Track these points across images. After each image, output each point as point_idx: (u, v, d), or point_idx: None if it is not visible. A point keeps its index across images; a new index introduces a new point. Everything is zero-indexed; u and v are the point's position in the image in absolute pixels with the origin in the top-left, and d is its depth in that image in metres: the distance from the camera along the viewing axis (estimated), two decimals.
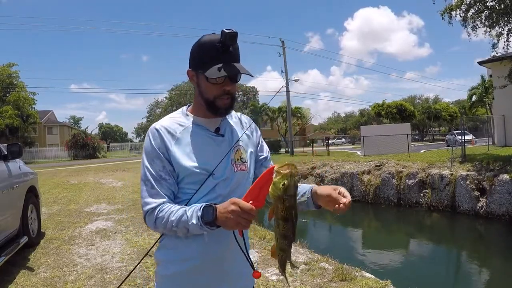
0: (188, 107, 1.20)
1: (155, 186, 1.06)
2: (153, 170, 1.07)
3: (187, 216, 0.99)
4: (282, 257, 1.01)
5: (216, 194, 1.08)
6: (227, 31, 1.02)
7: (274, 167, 0.94)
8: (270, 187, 0.93)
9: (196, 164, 1.07)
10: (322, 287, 3.17)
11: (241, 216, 0.92)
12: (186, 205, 1.06)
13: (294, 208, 0.93)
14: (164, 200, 1.06)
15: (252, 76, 1.15)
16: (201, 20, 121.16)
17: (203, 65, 1.07)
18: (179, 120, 1.14)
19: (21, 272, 3.60)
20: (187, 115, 1.16)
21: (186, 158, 1.07)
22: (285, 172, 0.91)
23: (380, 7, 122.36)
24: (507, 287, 5.94)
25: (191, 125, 1.13)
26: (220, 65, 1.04)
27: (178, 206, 1.04)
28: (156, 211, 1.04)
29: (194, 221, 0.98)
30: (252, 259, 1.14)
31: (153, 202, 1.06)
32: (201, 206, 0.99)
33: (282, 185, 0.90)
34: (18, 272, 3.61)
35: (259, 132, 1.29)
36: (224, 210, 0.94)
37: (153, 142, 1.09)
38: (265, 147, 1.29)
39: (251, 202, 0.94)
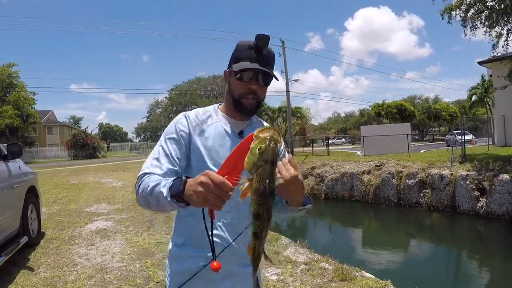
0: (219, 105, 1.24)
1: (160, 160, 1.07)
2: (166, 148, 1.09)
3: (161, 185, 0.93)
4: (255, 246, 0.82)
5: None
6: (260, 34, 1.10)
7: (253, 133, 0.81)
8: (246, 156, 0.78)
9: (209, 160, 1.09)
10: (322, 287, 3.17)
11: (212, 190, 0.79)
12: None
13: (270, 179, 0.77)
14: (160, 172, 1.03)
15: (277, 80, 1.17)
16: (201, 20, 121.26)
17: (235, 62, 1.13)
18: (209, 115, 1.18)
19: (21, 272, 3.60)
20: (217, 112, 1.20)
21: (203, 150, 1.10)
22: (265, 135, 0.78)
23: (380, 7, 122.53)
24: (507, 287, 5.94)
25: (217, 122, 1.16)
26: (248, 62, 1.10)
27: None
28: (145, 176, 1.02)
29: (164, 191, 0.90)
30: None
31: (147, 169, 1.04)
32: (176, 177, 0.93)
33: (259, 149, 0.76)
34: (18, 272, 3.61)
35: (283, 145, 1.29)
36: (194, 182, 0.84)
37: (177, 125, 1.13)
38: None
39: (226, 177, 0.81)
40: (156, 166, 1.05)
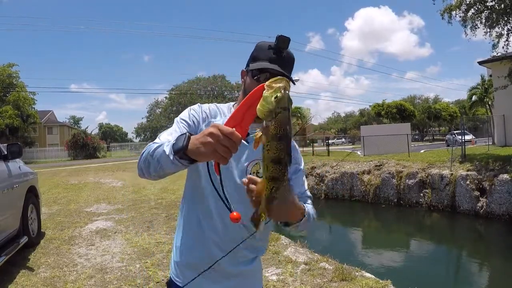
0: (235, 104, 1.24)
1: (172, 134, 1.05)
2: (178, 127, 1.10)
3: (164, 145, 0.90)
4: (272, 190, 0.80)
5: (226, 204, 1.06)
6: (281, 35, 1.07)
7: (264, 84, 0.80)
8: (258, 105, 0.78)
9: (208, 163, 1.09)
10: (322, 287, 3.17)
11: (220, 141, 0.77)
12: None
13: (289, 124, 0.78)
14: None
15: (294, 84, 1.11)
16: (202, 20, 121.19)
17: (253, 62, 1.11)
18: (221, 111, 1.19)
19: (21, 272, 3.61)
20: (231, 110, 1.20)
21: None
22: (279, 85, 0.78)
23: (380, 7, 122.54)
24: (507, 287, 5.94)
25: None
26: (267, 62, 1.07)
27: None
28: (151, 143, 0.99)
29: (166, 149, 0.87)
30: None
31: (157, 140, 1.01)
32: (180, 134, 0.90)
33: (275, 98, 0.76)
34: (18, 272, 3.61)
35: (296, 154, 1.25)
36: (201, 134, 0.81)
37: (190, 112, 1.16)
38: (303, 177, 1.22)
39: (234, 129, 0.80)
40: (166, 140, 1.02)
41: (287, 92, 0.78)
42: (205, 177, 1.08)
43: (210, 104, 1.21)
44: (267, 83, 0.79)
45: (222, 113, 1.18)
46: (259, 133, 0.79)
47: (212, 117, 1.15)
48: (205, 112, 1.16)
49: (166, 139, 1.01)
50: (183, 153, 0.83)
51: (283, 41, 1.07)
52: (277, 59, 1.07)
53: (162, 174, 0.94)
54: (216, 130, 0.78)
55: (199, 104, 1.20)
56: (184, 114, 1.15)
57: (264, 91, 0.78)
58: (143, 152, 0.98)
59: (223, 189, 1.01)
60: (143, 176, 1.00)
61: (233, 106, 1.23)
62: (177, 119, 1.15)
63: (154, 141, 1.01)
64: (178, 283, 1.15)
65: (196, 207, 1.15)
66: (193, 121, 1.13)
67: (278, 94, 0.76)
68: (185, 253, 1.16)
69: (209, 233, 1.12)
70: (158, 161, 0.90)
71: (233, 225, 1.01)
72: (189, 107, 1.19)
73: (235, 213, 0.89)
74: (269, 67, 1.06)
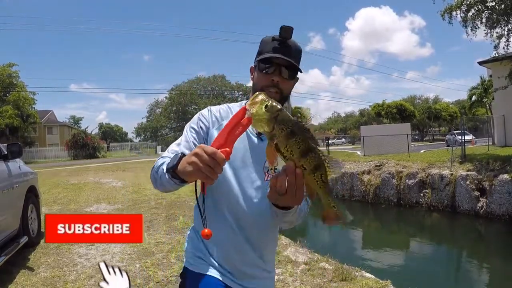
0: (247, 101, 1.23)
1: (180, 144, 1.10)
2: (187, 135, 1.12)
3: (165, 163, 0.96)
4: (322, 178, 0.80)
5: (242, 201, 1.07)
6: (284, 25, 1.06)
7: (245, 105, 0.82)
8: (253, 122, 0.80)
9: None
10: (322, 287, 3.17)
11: (204, 161, 0.81)
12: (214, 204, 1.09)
13: (293, 117, 0.80)
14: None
15: (301, 72, 1.12)
16: (202, 20, 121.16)
17: (259, 55, 1.11)
18: (232, 110, 1.17)
19: (21, 272, 3.60)
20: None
21: None
22: (260, 98, 0.79)
23: (381, 7, 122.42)
24: (507, 287, 5.94)
25: None
26: (270, 52, 1.07)
27: None
28: (160, 158, 1.05)
29: (164, 167, 0.94)
30: None
31: (166, 153, 1.08)
32: (175, 154, 0.94)
33: (265, 107, 0.77)
34: (18, 272, 3.61)
35: None
36: (189, 154, 0.85)
37: (199, 117, 1.15)
38: None
39: (220, 151, 0.82)
40: (174, 151, 1.07)
41: (271, 100, 0.79)
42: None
43: (221, 105, 1.20)
44: (247, 104, 0.81)
45: (231, 112, 1.17)
46: (270, 148, 0.79)
47: (224, 119, 1.14)
48: (215, 116, 1.15)
49: (174, 150, 1.07)
50: (173, 171, 0.88)
51: (285, 31, 1.06)
52: (281, 48, 1.07)
53: (168, 190, 1.00)
54: (200, 150, 0.82)
55: (208, 108, 1.18)
56: (193, 121, 1.16)
57: (250, 110, 0.79)
58: (153, 166, 1.04)
59: (204, 208, 1.00)
60: (157, 189, 1.05)
61: (245, 103, 1.21)
62: (186, 127, 1.15)
63: (162, 155, 1.06)
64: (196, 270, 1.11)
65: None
66: (201, 127, 1.13)
67: (267, 104, 0.77)
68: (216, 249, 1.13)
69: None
70: (161, 178, 0.97)
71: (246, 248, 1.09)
72: (199, 112, 1.18)
73: (206, 230, 0.91)
74: (272, 56, 1.06)
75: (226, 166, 1.05)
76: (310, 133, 0.79)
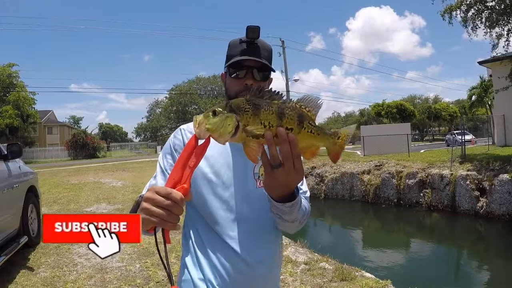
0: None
1: (156, 177, 1.05)
2: (162, 164, 1.07)
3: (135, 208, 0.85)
4: (313, 131, 0.76)
5: (236, 213, 1.00)
6: (249, 25, 1.03)
7: (194, 134, 0.75)
8: (215, 137, 0.72)
9: (208, 168, 1.02)
10: (322, 287, 3.17)
11: (158, 204, 0.71)
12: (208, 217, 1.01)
13: (245, 100, 0.72)
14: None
15: (274, 71, 1.07)
16: (202, 20, 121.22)
17: (228, 60, 1.06)
18: None
19: (21, 272, 3.61)
20: None
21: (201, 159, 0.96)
22: (200, 116, 0.73)
23: (382, 7, 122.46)
24: (507, 287, 5.94)
25: None
26: (239, 56, 1.02)
27: None
28: (138, 198, 0.94)
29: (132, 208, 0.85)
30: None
31: (144, 190, 0.99)
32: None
33: (213, 113, 0.71)
34: (18, 272, 3.61)
35: None
36: (142, 200, 0.76)
37: (172, 140, 1.09)
38: (304, 181, 1.10)
39: (176, 189, 0.73)
40: (151, 185, 1.02)
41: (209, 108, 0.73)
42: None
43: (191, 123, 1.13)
44: (195, 132, 0.74)
45: None
46: (248, 145, 0.73)
47: None
48: (190, 133, 1.04)
49: (151, 184, 1.03)
50: None
51: (252, 31, 1.02)
52: (249, 50, 1.03)
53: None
54: (151, 194, 0.73)
55: (180, 127, 1.10)
56: (166, 146, 1.09)
57: (202, 130, 0.72)
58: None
59: (167, 260, 0.79)
60: None
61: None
62: (159, 156, 1.10)
63: (142, 193, 0.93)
64: None
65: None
66: (176, 149, 1.06)
67: (209, 112, 0.71)
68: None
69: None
70: None
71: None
72: (171, 135, 1.11)
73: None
74: (241, 58, 1.01)
75: (212, 187, 1.00)
76: (267, 92, 0.73)
